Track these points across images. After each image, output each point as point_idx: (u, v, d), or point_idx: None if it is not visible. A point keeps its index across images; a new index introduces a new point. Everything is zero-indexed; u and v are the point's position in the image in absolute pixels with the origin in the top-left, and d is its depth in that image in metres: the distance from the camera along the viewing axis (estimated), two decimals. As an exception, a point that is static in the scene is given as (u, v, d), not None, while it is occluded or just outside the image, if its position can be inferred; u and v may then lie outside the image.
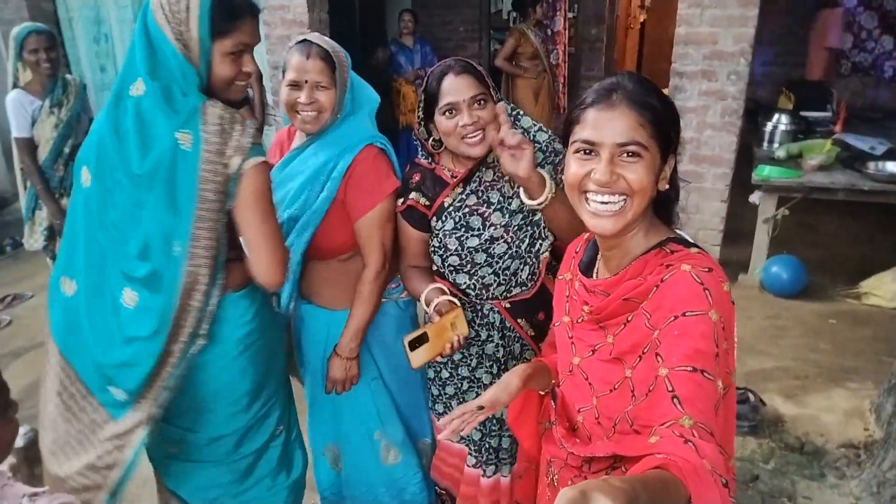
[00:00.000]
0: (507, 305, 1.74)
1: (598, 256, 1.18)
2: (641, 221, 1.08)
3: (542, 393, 1.33)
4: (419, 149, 1.78)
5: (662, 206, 1.11)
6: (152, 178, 1.35)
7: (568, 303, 1.21)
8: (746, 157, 4.26)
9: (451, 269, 1.73)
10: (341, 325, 1.82)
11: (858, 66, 5.91)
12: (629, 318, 1.05)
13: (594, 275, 1.17)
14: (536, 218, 1.68)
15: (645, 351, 1.00)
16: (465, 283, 1.74)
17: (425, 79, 1.64)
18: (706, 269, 1.01)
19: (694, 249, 1.06)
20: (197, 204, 1.35)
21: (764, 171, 3.85)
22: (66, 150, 3.18)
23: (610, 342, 1.08)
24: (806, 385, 2.94)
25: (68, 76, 3.27)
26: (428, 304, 1.69)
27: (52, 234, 3.31)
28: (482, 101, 1.58)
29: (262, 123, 4.47)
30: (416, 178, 1.74)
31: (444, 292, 1.68)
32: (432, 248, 1.76)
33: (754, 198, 3.95)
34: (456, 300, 1.66)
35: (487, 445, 1.83)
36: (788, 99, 5.13)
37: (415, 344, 1.53)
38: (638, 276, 1.05)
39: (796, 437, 2.60)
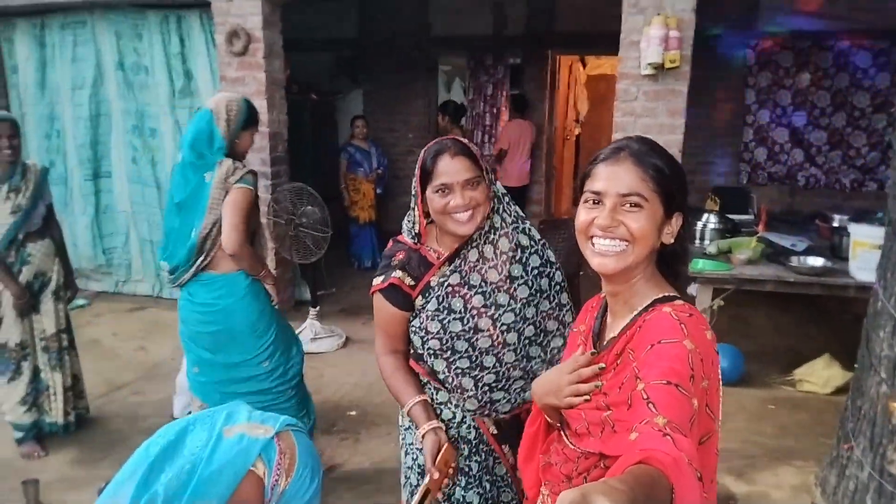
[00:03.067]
0: (493, 430, 1.72)
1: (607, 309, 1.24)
2: (643, 273, 1.15)
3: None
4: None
5: (669, 264, 1.18)
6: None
7: (581, 346, 1.26)
8: (681, 253, 4.54)
9: (431, 352, 1.70)
10: None
11: (774, 176, 6.49)
12: (619, 362, 1.11)
13: (606, 323, 1.23)
14: (530, 332, 1.67)
15: (625, 380, 1.06)
16: (442, 371, 1.70)
17: (421, 154, 1.66)
18: (687, 314, 1.08)
19: (680, 302, 1.12)
20: None
21: (698, 265, 4.11)
22: (20, 236, 3.13)
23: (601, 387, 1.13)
24: (754, 464, 3.03)
25: (28, 162, 3.27)
26: (412, 418, 1.68)
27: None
28: (475, 183, 1.60)
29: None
30: (401, 255, 1.71)
31: (428, 407, 1.68)
32: (413, 329, 1.72)
33: (692, 289, 4.18)
34: (441, 431, 1.65)
35: None
36: (714, 202, 5.56)
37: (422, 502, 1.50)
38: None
39: (749, 514, 2.67)
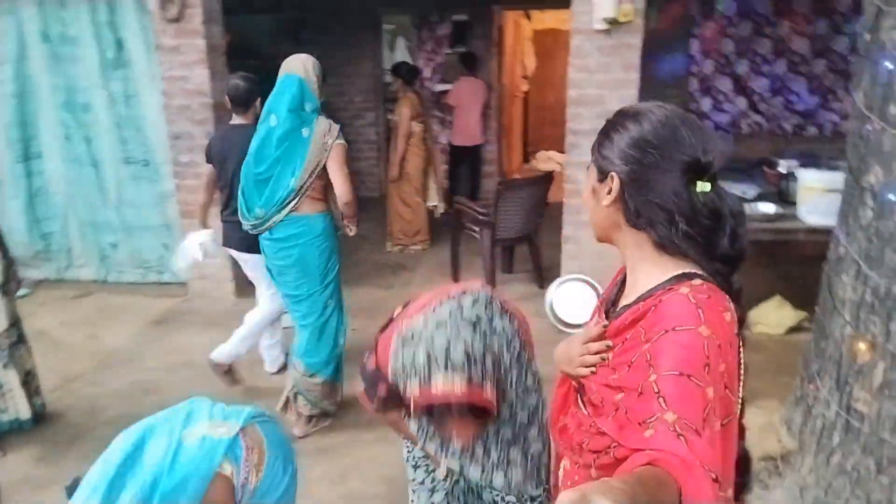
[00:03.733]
0: None
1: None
2: (635, 240, 1.12)
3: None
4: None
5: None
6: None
7: (597, 315, 1.25)
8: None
9: None
10: None
11: (719, 125, 6.61)
12: (628, 336, 1.08)
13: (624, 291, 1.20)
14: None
15: (633, 360, 1.03)
16: None
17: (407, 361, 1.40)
18: (705, 296, 1.03)
19: (699, 281, 1.06)
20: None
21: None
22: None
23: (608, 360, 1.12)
24: (720, 408, 3.14)
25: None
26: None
27: None
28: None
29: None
30: (383, 391, 1.54)
31: None
32: None
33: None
34: None
35: None
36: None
37: None
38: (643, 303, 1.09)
39: (720, 456, 2.77)
